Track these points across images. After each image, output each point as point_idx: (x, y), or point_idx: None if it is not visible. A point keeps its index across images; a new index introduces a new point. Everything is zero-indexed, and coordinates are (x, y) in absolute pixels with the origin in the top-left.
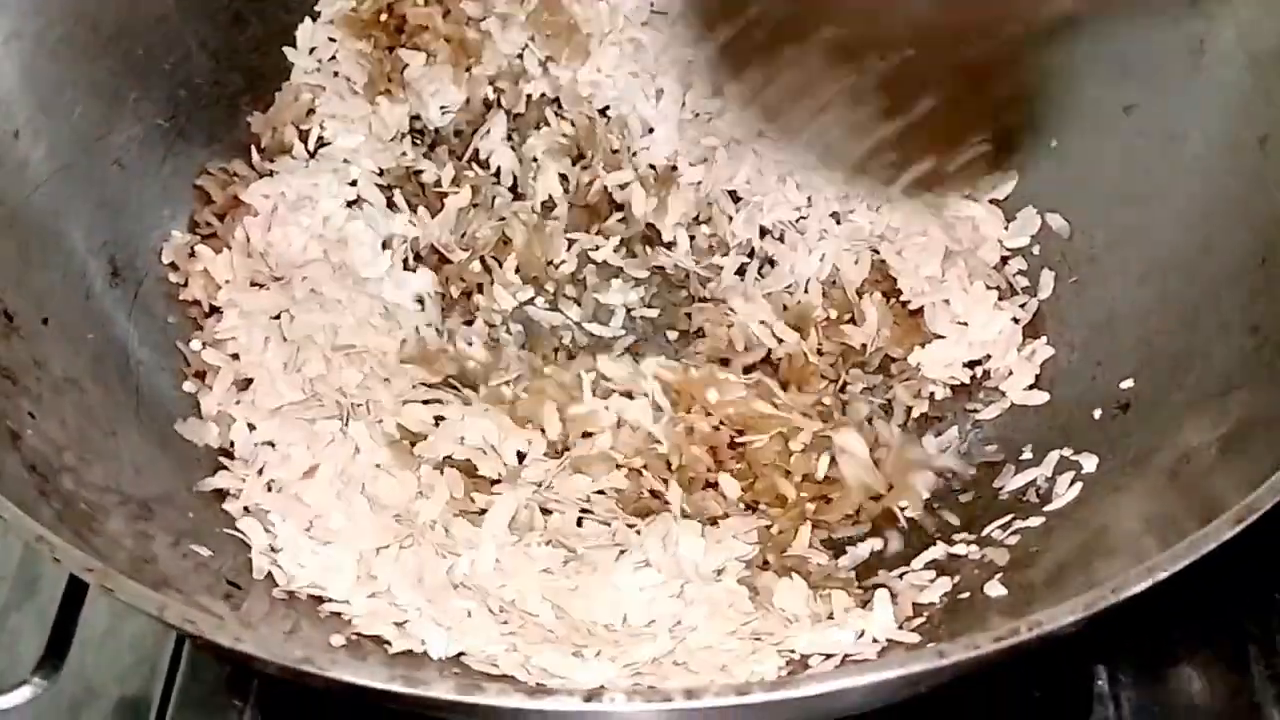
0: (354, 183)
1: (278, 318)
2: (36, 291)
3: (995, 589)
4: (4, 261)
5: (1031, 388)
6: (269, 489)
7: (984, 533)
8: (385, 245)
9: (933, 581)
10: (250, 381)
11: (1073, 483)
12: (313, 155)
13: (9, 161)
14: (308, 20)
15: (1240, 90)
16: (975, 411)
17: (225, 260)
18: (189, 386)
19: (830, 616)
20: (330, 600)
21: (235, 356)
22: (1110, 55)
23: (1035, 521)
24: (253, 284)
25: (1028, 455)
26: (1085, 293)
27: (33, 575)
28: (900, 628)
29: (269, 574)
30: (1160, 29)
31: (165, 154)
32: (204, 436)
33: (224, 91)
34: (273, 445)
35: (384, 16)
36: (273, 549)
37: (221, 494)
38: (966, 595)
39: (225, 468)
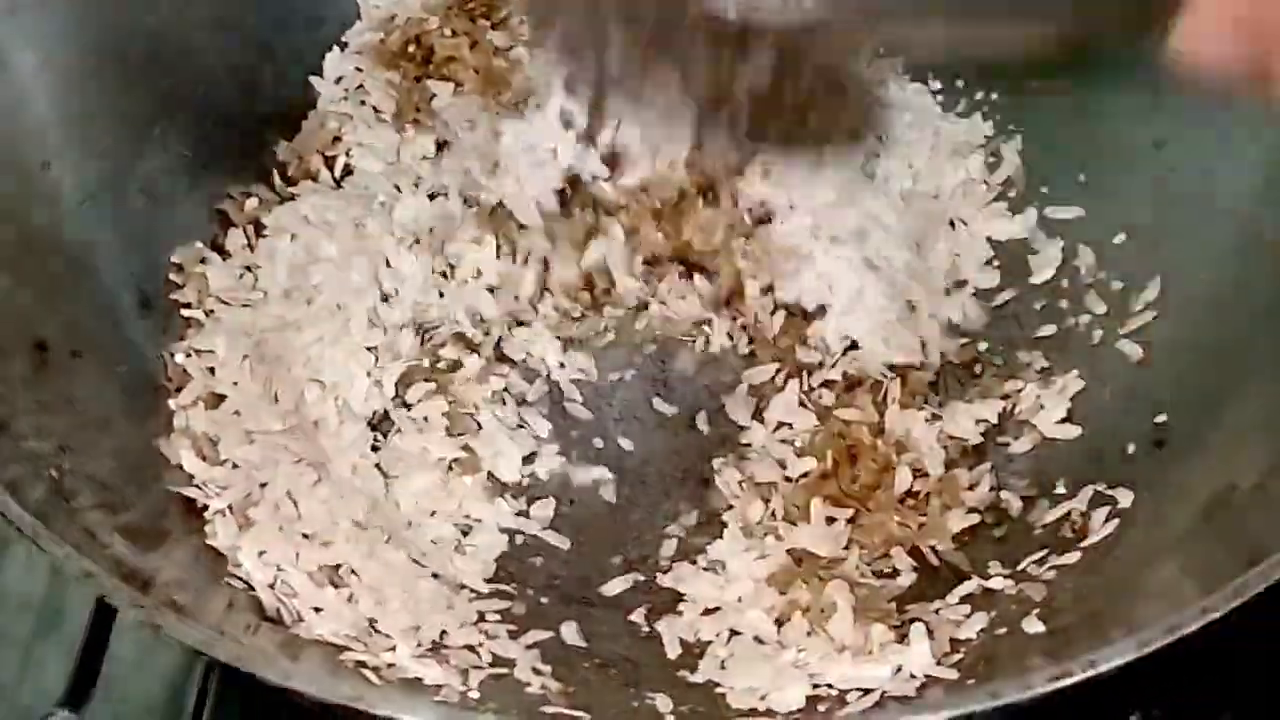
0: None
1: (260, 341)
2: (69, 322)
3: (1033, 625)
4: (36, 292)
5: (1063, 421)
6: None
7: (1019, 568)
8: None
9: (968, 617)
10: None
11: (1109, 518)
12: (338, 183)
13: (39, 192)
14: (335, 50)
15: (1272, 125)
16: (1006, 445)
17: (222, 269)
18: (174, 403)
19: (869, 652)
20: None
21: (211, 370)
22: (1141, 90)
23: (1071, 558)
24: (244, 304)
25: (1061, 490)
26: (1116, 326)
27: (58, 605)
28: (939, 663)
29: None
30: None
31: (192, 184)
32: (178, 453)
33: (251, 122)
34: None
35: (411, 47)
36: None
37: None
38: (1004, 631)
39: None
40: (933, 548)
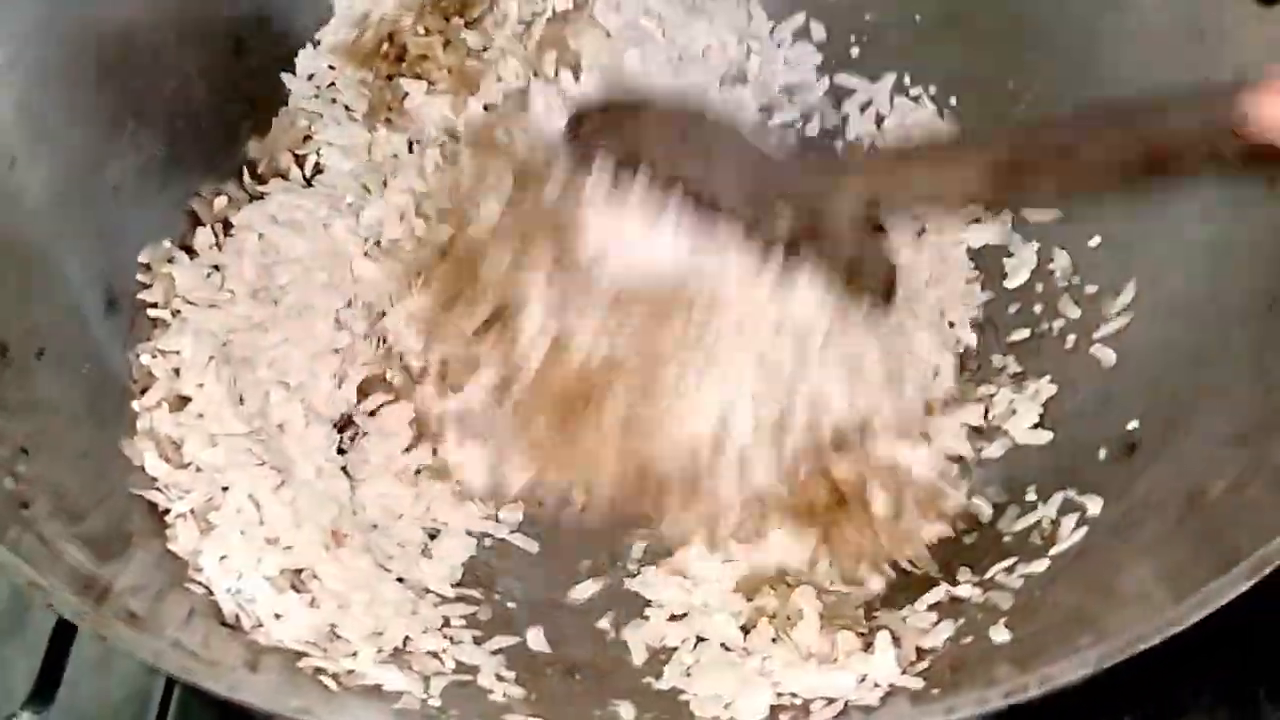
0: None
1: (226, 342)
2: (32, 323)
3: (1000, 634)
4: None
5: (1035, 427)
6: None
7: (987, 575)
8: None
9: (936, 624)
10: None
11: (1078, 526)
12: (309, 182)
13: (5, 191)
14: (309, 47)
15: None
16: (979, 451)
17: (190, 269)
18: (138, 404)
19: (835, 660)
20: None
21: (176, 372)
22: (1117, 93)
23: (1040, 565)
24: (211, 305)
25: (1031, 496)
26: (1089, 331)
27: (23, 607)
28: (904, 672)
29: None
30: (1165, 66)
31: (163, 182)
32: (141, 455)
33: (222, 120)
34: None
35: (385, 46)
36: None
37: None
38: (970, 640)
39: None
40: (909, 560)
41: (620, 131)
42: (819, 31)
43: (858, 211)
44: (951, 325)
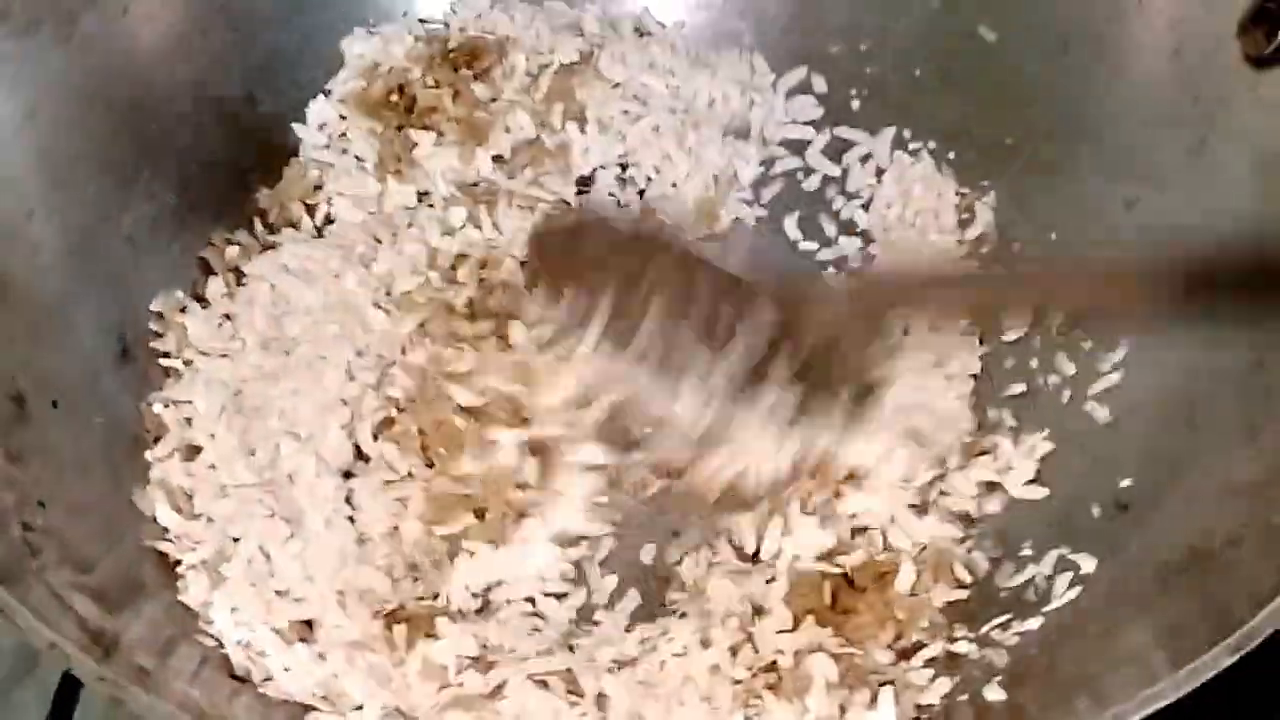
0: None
1: (238, 392)
2: (46, 373)
3: (994, 693)
4: (15, 343)
5: (1031, 483)
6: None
7: (982, 631)
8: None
9: (933, 681)
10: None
11: (1072, 584)
12: (319, 231)
13: (22, 242)
14: (320, 98)
15: (1240, 189)
16: (981, 505)
17: (202, 318)
18: (150, 455)
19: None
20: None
21: (188, 421)
22: (1112, 152)
23: (1034, 623)
24: (222, 354)
25: (1027, 552)
26: (1084, 387)
27: (32, 654)
28: None
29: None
30: (1161, 128)
31: (177, 231)
32: (153, 505)
33: (235, 169)
34: (212, 520)
35: (394, 97)
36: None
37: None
38: (965, 698)
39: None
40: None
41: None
42: (820, 84)
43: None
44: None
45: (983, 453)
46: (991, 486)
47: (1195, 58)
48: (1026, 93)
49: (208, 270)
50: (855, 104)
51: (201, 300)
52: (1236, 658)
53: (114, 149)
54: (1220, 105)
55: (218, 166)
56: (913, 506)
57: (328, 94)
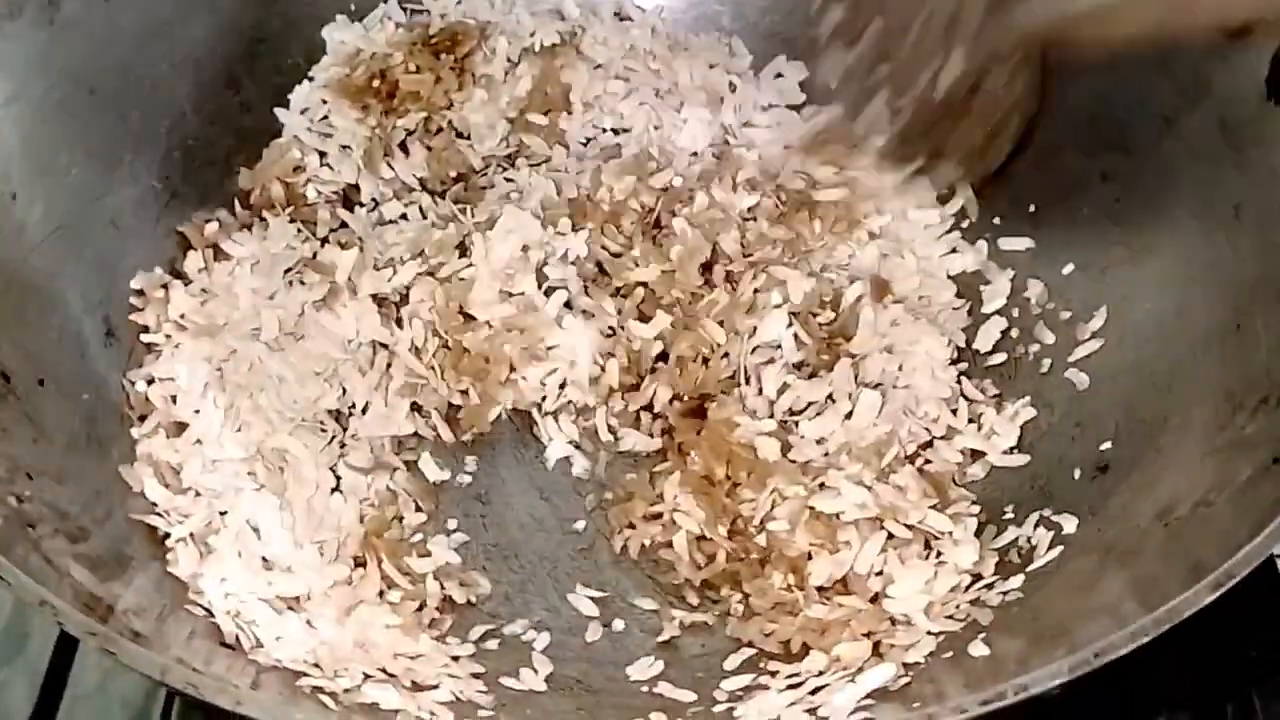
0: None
1: (219, 368)
2: (33, 352)
3: (979, 649)
4: (1, 322)
5: (1013, 450)
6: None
7: (968, 593)
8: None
9: (918, 641)
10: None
11: (1053, 544)
12: (298, 211)
13: (6, 223)
14: (305, 83)
15: (1214, 160)
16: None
17: (183, 296)
18: (137, 431)
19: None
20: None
21: (173, 399)
22: (1087, 125)
23: (1017, 581)
24: (202, 332)
25: (1009, 515)
26: (1064, 355)
27: (23, 630)
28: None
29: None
30: (1134, 101)
31: (159, 214)
32: (141, 480)
33: (217, 153)
34: (200, 494)
35: (376, 82)
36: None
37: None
38: (950, 655)
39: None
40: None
41: None
42: (797, 67)
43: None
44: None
45: (969, 421)
46: (975, 454)
47: None
48: None
49: (187, 246)
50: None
51: (181, 276)
52: (1216, 595)
53: (97, 133)
54: (1194, 75)
55: (200, 151)
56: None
57: (311, 80)
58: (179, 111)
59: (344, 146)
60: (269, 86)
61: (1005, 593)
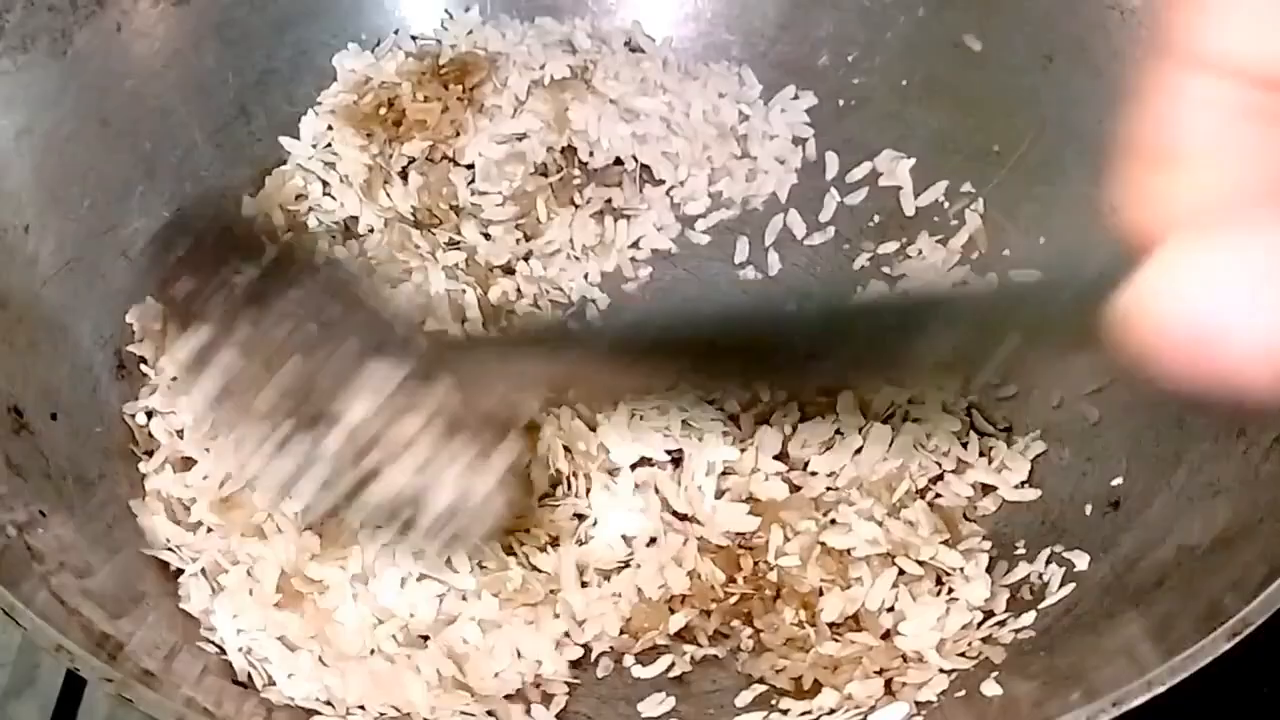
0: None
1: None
2: (45, 386)
3: (991, 688)
4: (14, 357)
5: (1023, 484)
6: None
7: (980, 631)
8: None
9: (930, 680)
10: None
11: (1065, 581)
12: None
13: (19, 256)
14: (311, 113)
15: None
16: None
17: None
18: (144, 466)
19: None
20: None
21: (179, 434)
22: (1099, 156)
23: (1029, 618)
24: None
25: (1020, 550)
26: (1075, 389)
27: (33, 663)
28: None
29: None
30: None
31: None
32: (150, 516)
33: (229, 183)
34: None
35: (383, 110)
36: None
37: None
38: (963, 694)
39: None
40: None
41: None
42: (808, 96)
43: None
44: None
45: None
46: (986, 488)
47: None
48: (1012, 101)
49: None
50: (843, 113)
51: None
52: (1233, 644)
53: (109, 164)
54: None
55: (211, 181)
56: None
57: (318, 106)
58: (190, 142)
59: (344, 177)
60: (281, 115)
61: (1018, 630)
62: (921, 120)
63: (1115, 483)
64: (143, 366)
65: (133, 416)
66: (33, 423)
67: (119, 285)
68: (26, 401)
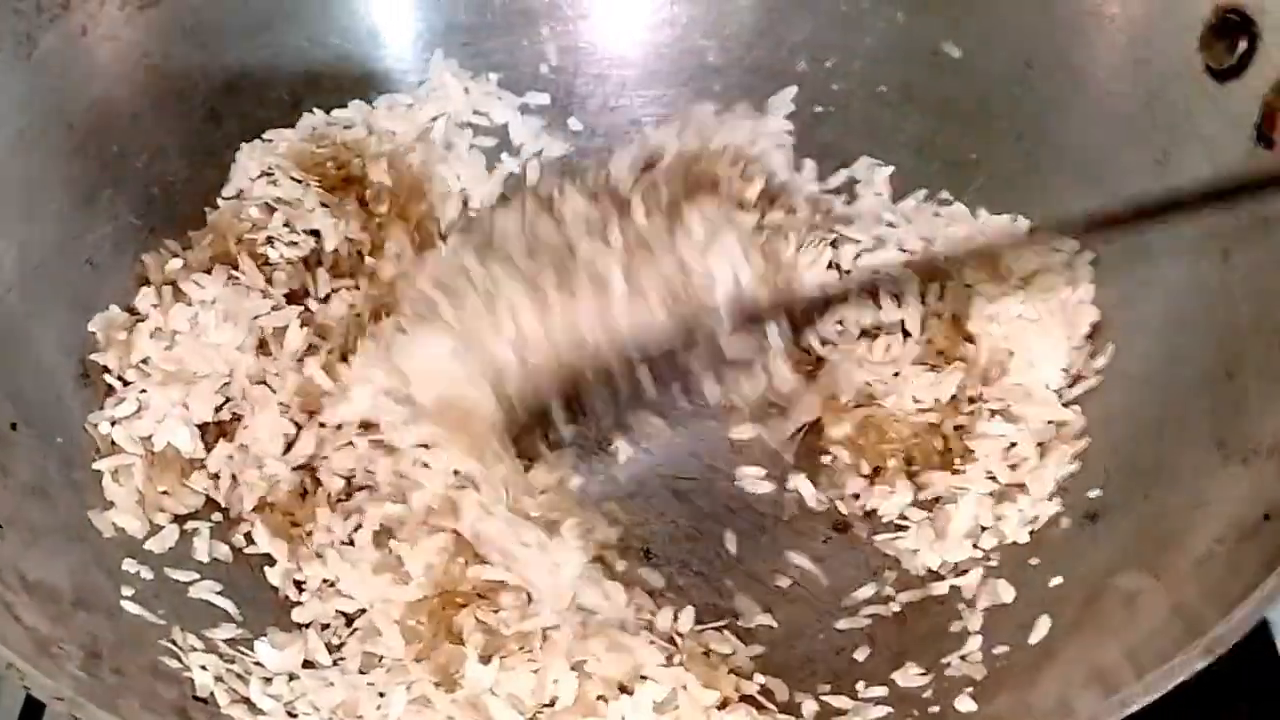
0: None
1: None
2: (7, 395)
3: (965, 704)
4: None
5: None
6: None
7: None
8: None
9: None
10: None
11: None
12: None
13: None
14: (256, 142)
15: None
16: None
17: (145, 339)
18: (100, 466)
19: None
20: None
21: (147, 439)
22: (1076, 166)
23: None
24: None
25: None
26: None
27: None
28: None
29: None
30: (1125, 139)
31: (138, 252)
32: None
33: (197, 189)
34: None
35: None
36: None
37: None
38: (937, 710)
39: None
40: None
41: None
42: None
43: None
44: None
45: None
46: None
47: (1158, 71)
48: (991, 108)
49: (144, 281)
50: (821, 119)
51: (133, 311)
52: (1208, 661)
53: (75, 168)
54: (1183, 118)
55: (179, 187)
56: None
57: (300, 109)
58: (158, 147)
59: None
60: (252, 121)
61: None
62: (899, 127)
63: (1093, 494)
64: (106, 376)
65: (95, 426)
66: None
67: (83, 293)
68: None
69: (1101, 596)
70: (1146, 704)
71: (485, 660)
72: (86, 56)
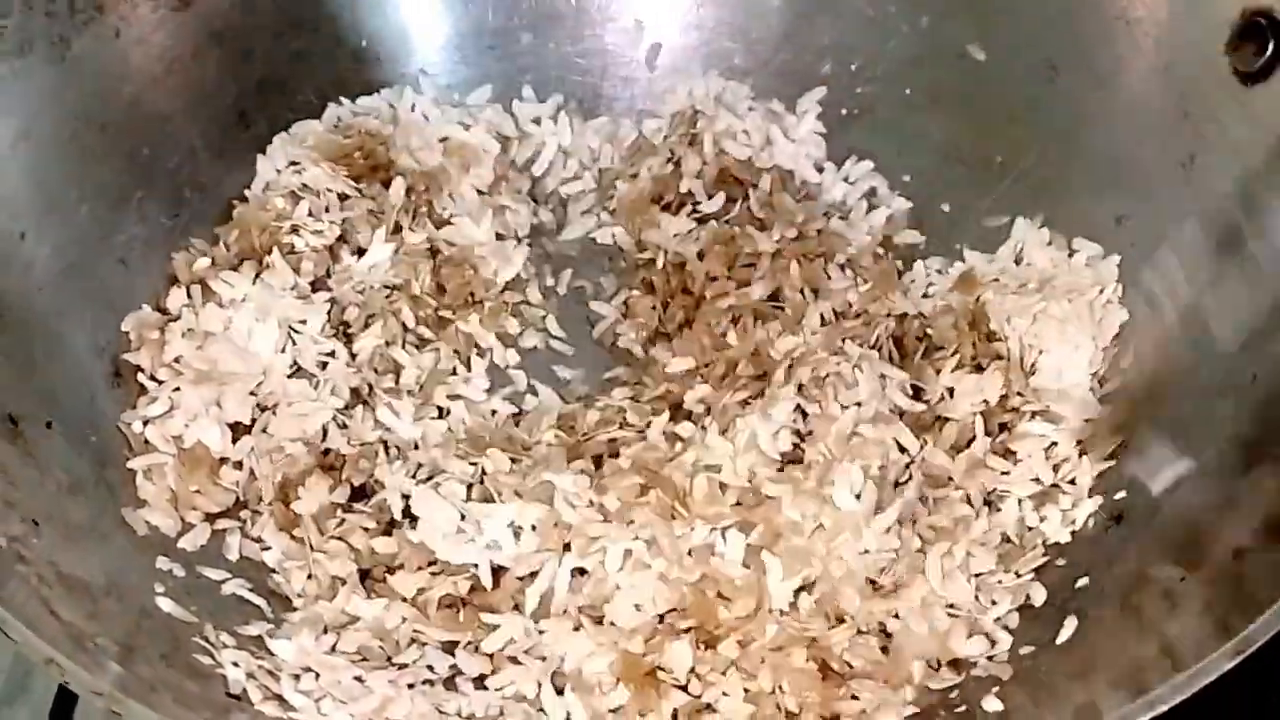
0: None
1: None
2: (41, 394)
3: (992, 704)
4: (9, 363)
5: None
6: None
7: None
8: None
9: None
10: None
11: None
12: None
13: (15, 262)
14: (284, 134)
15: (1227, 202)
16: None
17: (178, 338)
18: (133, 464)
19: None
20: None
21: (179, 439)
22: (1102, 169)
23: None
24: (199, 375)
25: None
26: None
27: (26, 670)
28: None
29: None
30: (1151, 143)
31: (169, 253)
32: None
33: (227, 190)
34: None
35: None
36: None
37: None
38: (963, 709)
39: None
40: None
41: None
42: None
43: None
44: None
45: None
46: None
47: (1184, 74)
48: (1016, 111)
49: (174, 280)
50: (847, 122)
51: (164, 311)
52: (1236, 662)
53: (107, 170)
54: (1209, 120)
55: (210, 187)
56: None
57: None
58: (189, 148)
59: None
60: (280, 122)
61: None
62: (924, 130)
63: (1119, 496)
64: (139, 375)
65: (128, 425)
66: (28, 431)
67: (115, 292)
68: (22, 409)
69: (1130, 597)
70: (1175, 704)
71: None
72: (119, 59)
